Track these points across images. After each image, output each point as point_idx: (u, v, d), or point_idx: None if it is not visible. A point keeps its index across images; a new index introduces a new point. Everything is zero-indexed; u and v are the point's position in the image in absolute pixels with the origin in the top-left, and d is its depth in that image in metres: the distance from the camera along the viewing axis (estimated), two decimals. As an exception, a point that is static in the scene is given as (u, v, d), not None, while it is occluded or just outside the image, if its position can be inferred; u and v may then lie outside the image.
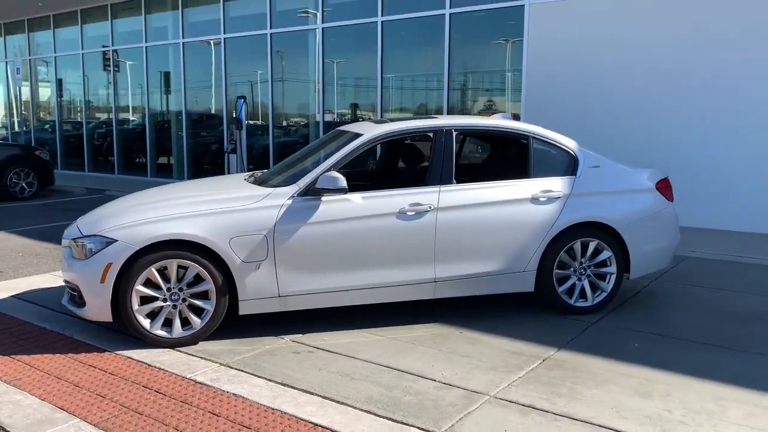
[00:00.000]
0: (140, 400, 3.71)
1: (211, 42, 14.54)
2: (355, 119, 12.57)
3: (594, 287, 5.28)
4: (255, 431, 3.35)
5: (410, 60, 11.98)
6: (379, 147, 8.68)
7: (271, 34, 13.46)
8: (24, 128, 19.89)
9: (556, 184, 5.11)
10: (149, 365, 4.23)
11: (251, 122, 14.00)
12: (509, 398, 3.72)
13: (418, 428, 3.38)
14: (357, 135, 5.03)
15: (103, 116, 17.52)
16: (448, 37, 11.13)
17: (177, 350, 4.50)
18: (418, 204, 4.81)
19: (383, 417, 3.50)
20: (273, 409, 3.60)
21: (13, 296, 5.85)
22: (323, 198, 4.69)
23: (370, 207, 4.74)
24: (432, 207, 4.82)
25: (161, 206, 4.64)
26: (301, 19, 13.03)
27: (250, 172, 5.76)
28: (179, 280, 4.51)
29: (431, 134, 5.08)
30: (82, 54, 17.63)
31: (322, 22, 12.70)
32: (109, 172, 17.34)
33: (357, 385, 3.91)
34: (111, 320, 4.47)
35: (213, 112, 14.86)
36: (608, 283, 5.27)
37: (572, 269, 5.20)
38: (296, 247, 4.61)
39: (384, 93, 12.12)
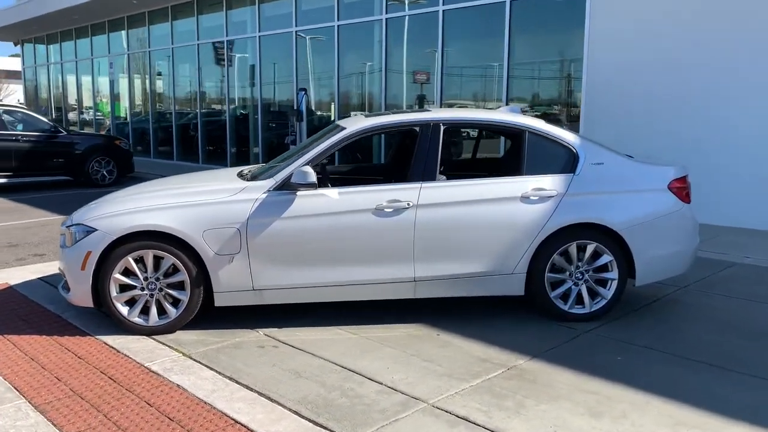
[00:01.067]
0: (90, 386, 3.84)
1: (294, 33, 14.82)
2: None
3: (593, 293, 4.92)
4: (177, 423, 3.38)
5: (471, 49, 11.67)
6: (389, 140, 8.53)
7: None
8: (122, 119, 21.22)
9: (550, 182, 4.80)
10: (118, 351, 4.37)
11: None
12: (446, 408, 3.53)
13: (334, 433, 3.28)
14: (341, 129, 4.94)
15: (191, 108, 18.35)
16: (508, 27, 10.75)
17: (152, 338, 4.62)
18: (396, 201, 4.66)
19: (306, 419, 3.42)
20: (205, 402, 3.61)
21: (40, 278, 6.24)
22: (299, 193, 4.65)
23: (346, 203, 4.65)
24: (411, 204, 4.66)
25: (145, 197, 4.78)
26: (366, 11, 13.02)
27: (249, 166, 5.81)
28: (156, 269, 4.63)
29: (417, 128, 4.90)
30: (172, 48, 18.53)
31: (386, 13, 12.63)
32: (194, 161, 18.14)
33: (300, 383, 3.85)
34: (93, 306, 4.66)
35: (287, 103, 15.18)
36: (609, 289, 4.90)
37: (568, 273, 4.87)
38: (269, 241, 4.60)
39: (445, 85, 11.90)
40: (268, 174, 4.85)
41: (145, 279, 4.63)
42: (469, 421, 3.38)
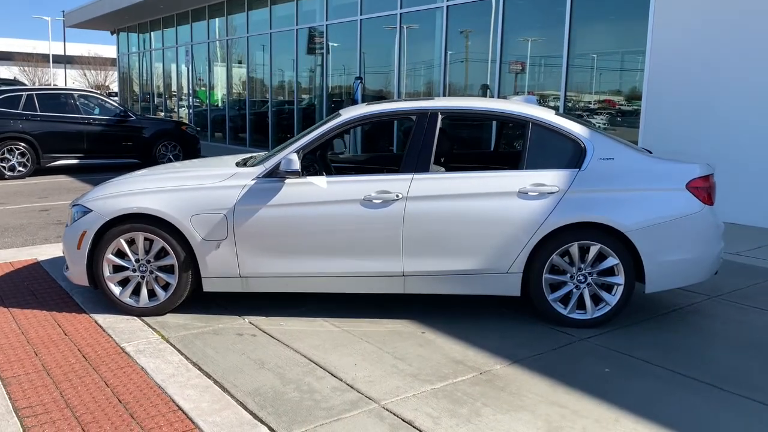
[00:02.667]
0: (62, 363, 3.93)
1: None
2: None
3: (597, 299, 4.58)
4: (123, 405, 3.39)
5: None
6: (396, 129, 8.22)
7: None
8: (197, 106, 21.95)
9: (551, 178, 4.48)
10: (103, 330, 4.46)
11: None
12: (395, 410, 3.36)
13: (269, 428, 3.19)
14: (337, 117, 4.82)
15: (263, 96, 18.73)
16: (569, 15, 10.24)
17: (141, 319, 4.69)
18: (385, 192, 4.50)
19: (248, 411, 3.35)
20: (159, 387, 3.61)
21: (68, 256, 6.49)
22: (287, 181, 4.57)
23: (333, 192, 4.53)
24: (400, 196, 4.48)
25: (141, 180, 4.84)
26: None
27: (260, 153, 5.78)
28: (147, 252, 4.69)
29: (413, 117, 4.71)
30: (247, 38, 18.94)
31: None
32: (265, 148, 18.52)
33: (260, 375, 3.79)
34: (88, 285, 4.77)
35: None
36: (614, 295, 4.54)
37: (569, 275, 4.55)
38: (255, 229, 4.55)
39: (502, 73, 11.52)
40: (261, 161, 4.80)
41: (137, 261, 4.70)
42: (413, 426, 3.20)
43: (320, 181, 4.56)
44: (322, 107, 16.18)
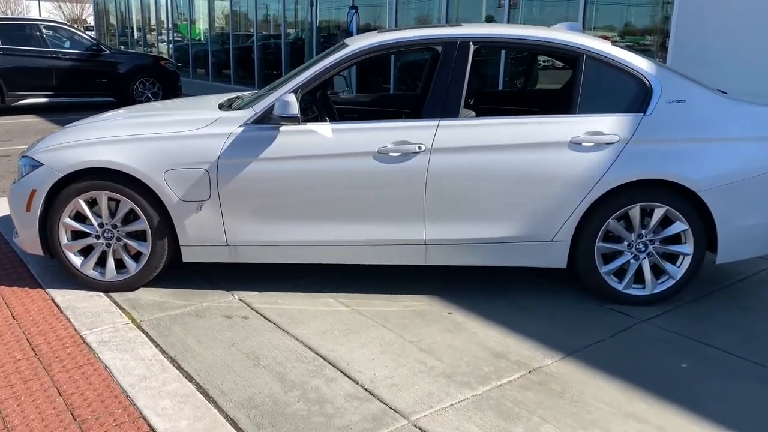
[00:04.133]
0: (4, 360, 3.13)
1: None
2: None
3: (658, 270, 3.81)
4: (78, 425, 2.61)
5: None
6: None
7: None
8: (179, 41, 20.61)
9: (611, 124, 3.64)
10: (61, 311, 3.64)
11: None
12: (431, 431, 2.61)
13: (269, 460, 2.43)
14: (343, 48, 3.90)
15: (248, 30, 17.47)
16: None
17: (108, 295, 3.88)
18: (405, 142, 3.64)
19: (241, 432, 2.59)
20: (127, 395, 2.82)
21: (27, 212, 5.60)
22: (282, 128, 3.69)
23: (340, 143, 3.66)
24: (423, 147, 3.63)
25: (106, 126, 3.95)
26: None
27: (237, 94, 4.85)
28: (112, 215, 3.84)
29: (439, 48, 3.80)
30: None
31: None
32: (251, 86, 17.39)
33: (255, 375, 3.01)
34: (43, 254, 3.93)
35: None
36: (679, 266, 3.77)
37: (626, 243, 3.77)
38: (245, 188, 3.70)
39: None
40: (250, 103, 3.90)
41: (101, 226, 3.85)
42: (458, 456, 2.46)
43: (324, 129, 3.68)
44: (311, 42, 15.02)
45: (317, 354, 3.20)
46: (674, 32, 7.84)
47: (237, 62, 18.02)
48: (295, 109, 3.52)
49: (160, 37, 22.54)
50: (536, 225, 3.72)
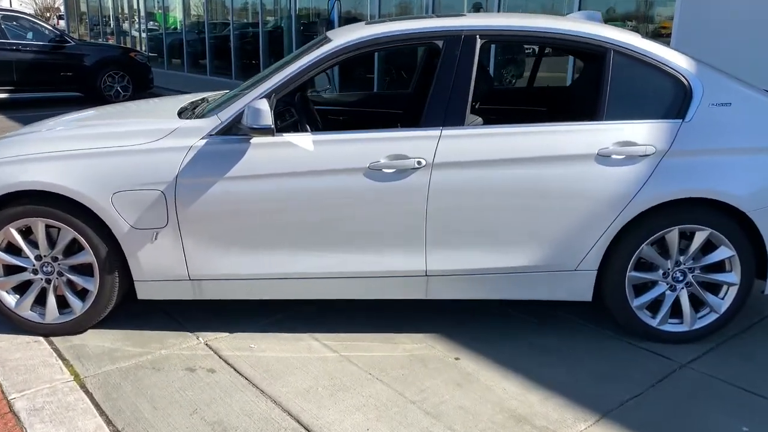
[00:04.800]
0: None
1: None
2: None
3: (697, 302, 3.26)
4: None
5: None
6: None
7: None
8: (154, 30, 19.77)
9: (645, 133, 3.06)
10: (-12, 366, 3.01)
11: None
12: None
13: None
14: (326, 43, 3.28)
15: (225, 18, 16.71)
16: None
17: (48, 341, 3.25)
18: (402, 156, 3.04)
19: None
20: (56, 493, 2.21)
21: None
22: (253, 141, 3.07)
23: (324, 158, 3.05)
24: (423, 162, 3.03)
25: (41, 139, 3.31)
26: None
27: (202, 95, 4.20)
28: (51, 246, 3.20)
29: (439, 43, 3.19)
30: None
31: None
32: (227, 77, 16.66)
33: (221, 456, 2.41)
34: (-30, 292, 3.29)
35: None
36: (723, 298, 3.22)
37: (661, 272, 3.21)
38: (210, 212, 3.08)
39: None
40: (215, 109, 3.27)
41: (38, 258, 3.22)
42: None
43: (303, 141, 3.07)
44: (290, 30, 14.31)
45: (300, 423, 2.61)
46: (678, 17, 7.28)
47: (213, 52, 17.29)
48: (267, 119, 2.90)
49: (133, 27, 21.67)
50: (557, 252, 3.14)
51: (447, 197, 3.06)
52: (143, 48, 20.23)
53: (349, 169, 3.04)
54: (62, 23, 27.53)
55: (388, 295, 3.24)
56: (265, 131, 2.91)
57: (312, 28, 13.81)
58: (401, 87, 10.93)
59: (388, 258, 3.15)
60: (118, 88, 12.05)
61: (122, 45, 17.04)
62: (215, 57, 17.23)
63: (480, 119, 3.26)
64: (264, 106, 2.91)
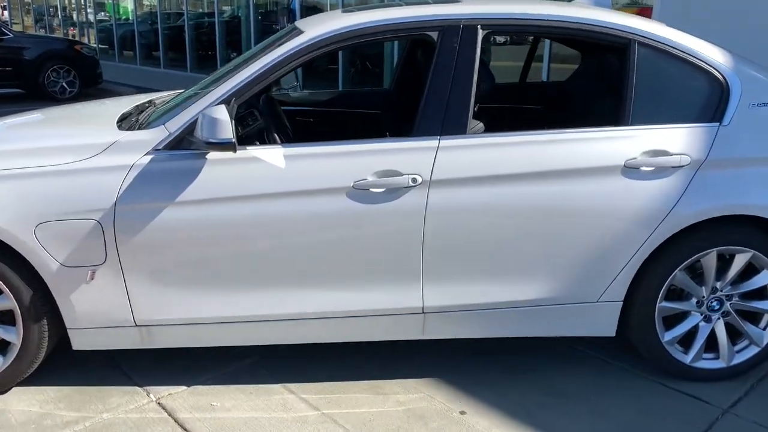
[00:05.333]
0: None
1: None
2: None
3: (735, 334, 2.82)
4: None
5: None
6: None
7: None
8: (104, 20, 18.79)
9: (678, 140, 2.60)
10: None
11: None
12: None
13: None
14: (296, 35, 2.71)
15: (179, 8, 15.87)
16: None
17: (-38, 406, 2.64)
18: (393, 173, 2.51)
19: None
20: None
21: None
22: (210, 156, 2.51)
23: (299, 176, 2.51)
24: (419, 179, 2.50)
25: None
26: None
27: (149, 96, 3.60)
28: (-39, 290, 2.59)
29: (434, 34, 2.66)
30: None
31: None
32: (182, 69, 15.84)
33: None
34: None
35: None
36: (764, 328, 2.79)
37: (695, 301, 2.76)
38: (159, 245, 2.51)
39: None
40: (162, 116, 2.68)
41: (-55, 305, 2.60)
42: None
43: (272, 156, 2.52)
44: (248, 20, 13.59)
45: None
46: None
47: (167, 44, 16.44)
48: (227, 131, 2.34)
49: (82, 18, 20.58)
50: (577, 282, 2.66)
51: (447, 221, 2.54)
52: (93, 40, 19.23)
53: (329, 189, 2.50)
54: (6, 14, 26.08)
55: (378, 337, 2.72)
56: (224, 146, 2.35)
57: (271, 17, 13.14)
58: (370, 80, 10.38)
59: (378, 294, 2.62)
60: (64, 83, 11.21)
61: (67, 37, 16.05)
62: (169, 49, 16.39)
63: (481, 125, 2.75)
64: (222, 114, 2.35)
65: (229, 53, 14.40)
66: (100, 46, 19.26)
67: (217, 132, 2.33)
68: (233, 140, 2.33)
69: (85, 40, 19.10)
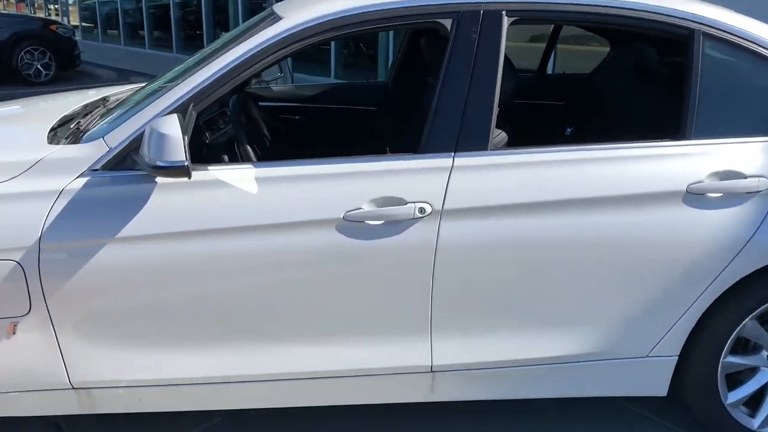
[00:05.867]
0: None
1: None
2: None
3: (810, 393, 2.31)
4: None
5: None
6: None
7: None
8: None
9: (752, 158, 2.06)
10: None
11: None
12: None
13: None
14: (272, 20, 2.15)
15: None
16: None
17: None
18: (395, 200, 1.97)
19: None
20: None
21: None
22: (161, 179, 1.95)
23: (276, 205, 1.96)
24: (428, 209, 1.97)
25: None
26: None
27: (105, 92, 3.02)
28: None
29: (447, 22, 2.10)
30: None
31: None
32: (168, 50, 15.18)
33: None
34: None
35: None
36: None
37: (766, 355, 2.24)
38: (98, 290, 1.97)
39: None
40: (106, 127, 2.12)
41: None
42: None
43: (241, 179, 1.97)
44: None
45: None
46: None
47: (153, 22, 15.76)
48: (178, 151, 1.78)
49: (63, -5, 19.79)
50: (623, 334, 2.14)
51: (463, 261, 2.01)
52: (76, 19, 18.51)
53: (313, 222, 1.96)
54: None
55: (374, 399, 2.19)
56: (174, 171, 1.80)
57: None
58: (365, 65, 9.78)
59: (375, 350, 2.10)
60: (39, 66, 10.56)
61: (42, 16, 15.33)
62: (155, 28, 15.71)
63: (503, 134, 2.21)
64: (173, 128, 1.79)
65: (217, 33, 13.76)
66: (83, 24, 18.58)
67: (165, 152, 1.78)
68: (186, 163, 1.78)
69: (65, 20, 18.37)
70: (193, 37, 14.58)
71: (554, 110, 3.36)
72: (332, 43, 9.94)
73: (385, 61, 9.32)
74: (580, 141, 2.15)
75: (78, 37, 16.32)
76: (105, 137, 2.00)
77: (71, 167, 1.97)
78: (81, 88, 3.62)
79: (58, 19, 16.52)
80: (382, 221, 1.97)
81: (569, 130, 3.15)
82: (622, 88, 2.85)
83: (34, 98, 3.17)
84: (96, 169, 1.97)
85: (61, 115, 2.52)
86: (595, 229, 2.02)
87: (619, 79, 2.93)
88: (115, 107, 2.39)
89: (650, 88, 2.67)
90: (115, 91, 3.03)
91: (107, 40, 17.53)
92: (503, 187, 1.99)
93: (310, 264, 1.97)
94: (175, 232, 1.93)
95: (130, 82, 9.66)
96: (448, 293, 2.04)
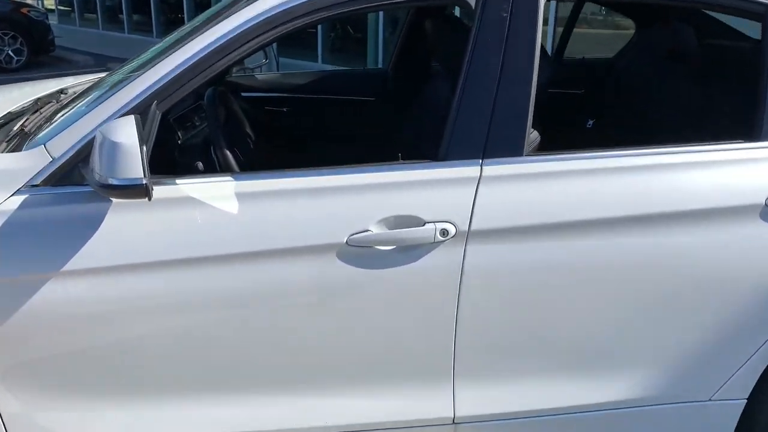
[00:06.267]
0: None
1: None
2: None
3: None
4: None
5: None
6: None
7: None
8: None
9: None
10: None
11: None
12: None
13: None
14: (251, 2, 1.75)
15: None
16: None
17: None
18: (410, 220, 1.59)
19: None
20: None
21: None
22: (117, 201, 1.55)
23: (261, 226, 1.57)
24: (451, 231, 1.59)
25: None
26: None
27: (59, 87, 2.61)
28: None
29: (472, 0, 1.71)
30: None
31: None
32: (148, 34, 14.67)
33: None
34: None
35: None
36: None
37: None
38: (41, 338, 1.58)
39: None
40: (51, 131, 1.72)
41: None
42: None
43: (217, 195, 1.58)
44: (220, -20, 12.45)
45: None
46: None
47: (132, 5, 15.24)
48: (135, 165, 1.39)
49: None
50: (682, 375, 1.79)
51: (494, 293, 1.64)
52: (52, 2, 17.90)
53: (310, 248, 1.58)
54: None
55: (383, 456, 1.83)
56: (129, 191, 1.40)
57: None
58: (354, 48, 9.35)
59: (387, 400, 1.73)
60: (10, 52, 10.06)
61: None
62: (134, 11, 15.19)
63: (536, 135, 1.82)
64: (129, 136, 1.40)
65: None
66: (59, 8, 17.97)
67: (118, 166, 1.39)
68: (144, 181, 1.39)
69: (40, 3, 17.76)
70: (174, 21, 14.11)
71: (573, 99, 2.99)
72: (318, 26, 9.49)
73: (375, 45, 8.91)
74: (605, 135, 1.78)
75: (54, 21, 15.78)
76: (47, 144, 1.60)
77: (5, 182, 1.57)
78: (56, 75, 3.21)
79: (32, 2, 15.88)
80: (395, 246, 1.59)
81: (590, 122, 2.79)
82: (654, 76, 2.47)
83: None
84: (36, 185, 1.57)
85: (5, 112, 2.12)
86: (654, 253, 1.65)
87: (650, 64, 2.55)
88: (69, 103, 1.98)
89: (690, 75, 2.30)
90: (79, 81, 2.62)
91: (85, 24, 16.95)
92: (544, 201, 1.62)
93: (306, 302, 1.59)
94: (134, 263, 1.54)
95: (108, 69, 9.18)
96: (476, 332, 1.67)
